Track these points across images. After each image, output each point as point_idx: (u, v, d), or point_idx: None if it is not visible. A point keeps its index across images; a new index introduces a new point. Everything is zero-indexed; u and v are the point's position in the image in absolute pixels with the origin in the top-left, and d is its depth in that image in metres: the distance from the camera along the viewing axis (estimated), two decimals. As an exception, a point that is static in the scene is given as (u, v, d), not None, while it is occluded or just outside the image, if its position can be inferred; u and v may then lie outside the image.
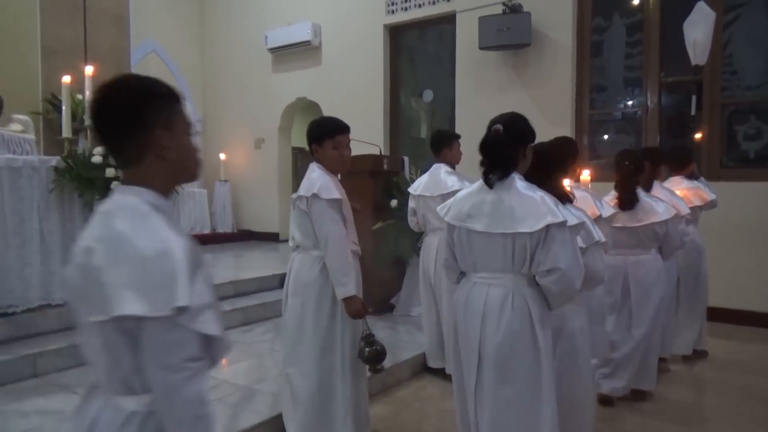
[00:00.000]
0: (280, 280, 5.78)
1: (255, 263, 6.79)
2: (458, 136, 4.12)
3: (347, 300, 2.48)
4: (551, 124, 6.14)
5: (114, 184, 3.94)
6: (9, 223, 3.80)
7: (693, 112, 5.78)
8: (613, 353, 3.47)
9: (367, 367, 2.63)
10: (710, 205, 4.31)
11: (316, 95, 8.57)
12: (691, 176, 4.43)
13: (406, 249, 5.13)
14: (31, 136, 4.37)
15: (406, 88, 7.96)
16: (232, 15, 9.51)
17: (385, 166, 5.32)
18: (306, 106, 9.16)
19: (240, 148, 9.58)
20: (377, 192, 5.24)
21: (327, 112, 8.40)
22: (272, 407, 3.12)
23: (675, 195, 3.91)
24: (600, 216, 2.88)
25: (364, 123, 7.61)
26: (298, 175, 11.38)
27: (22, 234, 3.88)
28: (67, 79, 4.20)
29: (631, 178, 3.48)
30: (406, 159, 5.65)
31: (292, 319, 2.68)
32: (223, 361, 4.02)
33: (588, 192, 3.02)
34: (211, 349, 1.18)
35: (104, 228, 1.15)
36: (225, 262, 6.92)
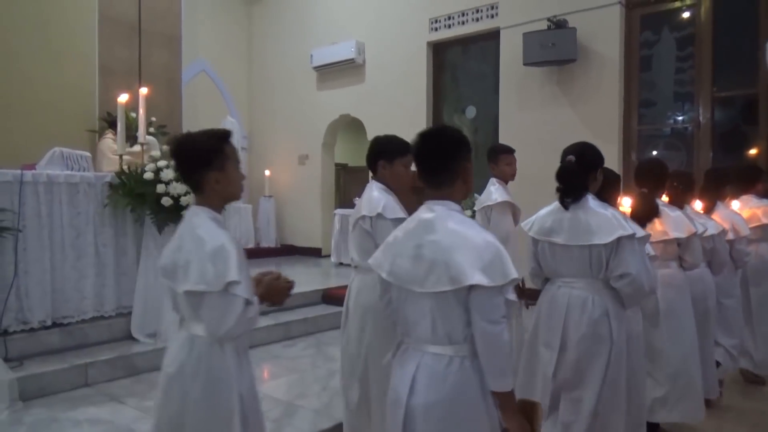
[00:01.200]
0: (323, 296, 5.84)
1: (297, 278, 6.79)
2: (509, 150, 3.75)
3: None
4: (598, 139, 5.94)
5: (164, 199, 4.07)
6: (66, 236, 3.97)
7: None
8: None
9: None
10: None
11: (359, 112, 8.67)
12: (764, 194, 4.35)
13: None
14: (87, 154, 4.55)
15: (449, 104, 7.96)
16: (279, 34, 9.74)
17: (428, 183, 5.30)
18: (349, 122, 9.27)
19: (284, 164, 9.74)
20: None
21: (370, 128, 8.48)
22: (313, 423, 3.13)
23: (736, 215, 3.89)
24: (695, 233, 3.17)
25: (407, 139, 7.63)
26: (340, 190, 11.49)
27: (78, 247, 4.04)
28: (123, 98, 4.37)
29: (678, 197, 3.41)
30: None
31: (353, 338, 2.69)
32: (264, 374, 4.06)
33: (682, 211, 3.27)
34: (508, 309, 1.62)
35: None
36: (268, 276, 7.00)
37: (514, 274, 1.57)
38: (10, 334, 3.65)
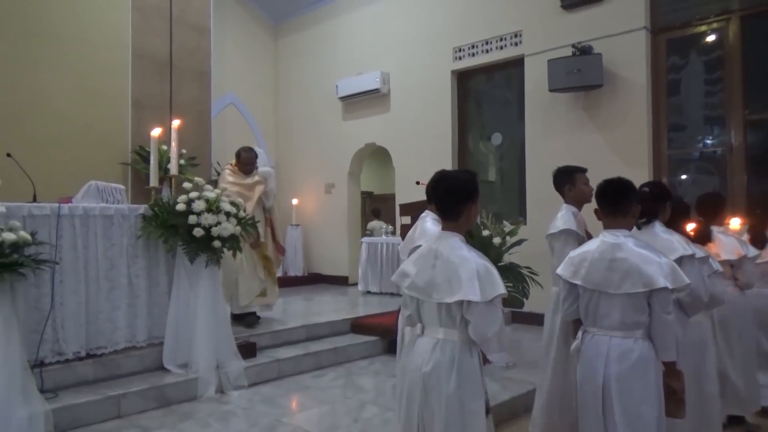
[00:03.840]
0: (352, 326, 5.81)
1: (326, 307, 6.84)
2: (583, 169, 3.57)
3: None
4: (627, 165, 5.95)
5: (196, 230, 4.12)
6: (101, 267, 4.04)
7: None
8: None
9: None
10: None
11: (384, 141, 8.74)
12: None
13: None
14: (121, 186, 4.65)
15: (474, 131, 7.98)
16: (304, 66, 9.94)
17: (455, 211, 5.28)
18: (375, 151, 9.35)
19: (311, 192, 9.84)
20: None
21: (396, 157, 8.54)
22: (345, 457, 3.07)
23: None
24: (745, 255, 3.63)
25: (433, 167, 7.59)
26: (366, 218, 11.54)
27: (112, 278, 4.10)
28: (156, 132, 4.48)
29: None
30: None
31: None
32: (294, 405, 4.03)
33: (734, 236, 3.79)
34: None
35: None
36: (296, 305, 7.02)
37: (687, 280, 2.28)
38: (46, 365, 3.70)
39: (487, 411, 2.41)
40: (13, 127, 5.84)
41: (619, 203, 2.39)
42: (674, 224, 3.03)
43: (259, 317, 5.49)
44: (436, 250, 2.10)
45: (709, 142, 6.16)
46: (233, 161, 5.64)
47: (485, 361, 2.15)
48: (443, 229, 2.16)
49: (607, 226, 2.41)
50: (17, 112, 5.93)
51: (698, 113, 6.17)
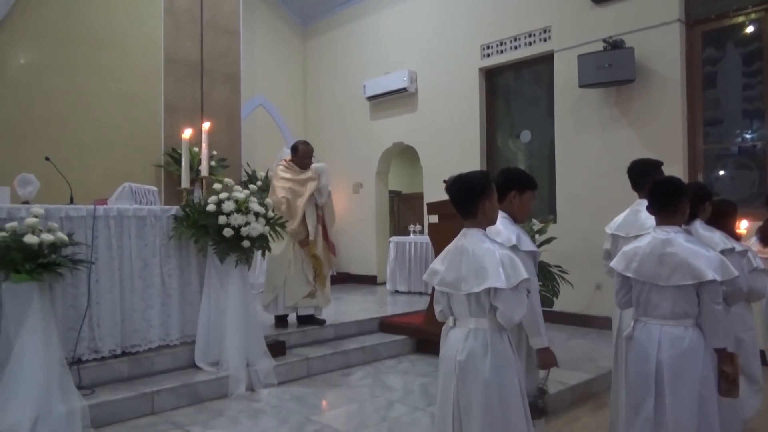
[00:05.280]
0: (380, 325, 5.82)
1: (354, 306, 6.87)
2: (661, 163, 3.45)
3: (542, 350, 2.50)
4: (662, 160, 5.80)
5: (226, 230, 4.19)
6: (135, 267, 4.14)
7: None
8: None
9: None
10: None
11: (412, 140, 8.73)
12: None
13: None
14: (154, 188, 4.76)
15: (503, 129, 7.90)
16: (332, 67, 10.00)
17: (484, 209, 5.25)
18: (402, 150, 9.34)
19: (339, 192, 9.88)
20: (476, 235, 5.16)
21: (424, 156, 8.51)
22: (373, 455, 3.08)
23: None
24: None
25: (461, 166, 7.56)
26: (395, 218, 11.53)
27: (145, 278, 4.20)
28: (187, 134, 4.57)
29: None
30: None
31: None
32: (323, 403, 4.05)
33: None
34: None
35: None
36: (325, 304, 7.04)
37: (735, 272, 2.41)
38: (83, 362, 3.81)
39: (545, 412, 2.58)
40: (52, 132, 6.05)
41: (669, 202, 2.52)
42: (716, 222, 3.19)
43: (323, 321, 5.32)
44: (462, 246, 2.22)
45: (747, 136, 5.97)
46: (287, 157, 5.47)
47: (543, 365, 2.48)
48: (465, 226, 2.28)
49: (658, 224, 2.56)
50: (56, 117, 6.14)
51: (736, 107, 5.98)
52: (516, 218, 2.70)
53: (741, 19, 5.86)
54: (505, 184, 2.66)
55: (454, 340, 2.21)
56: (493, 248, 2.16)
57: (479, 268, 2.12)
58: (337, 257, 9.61)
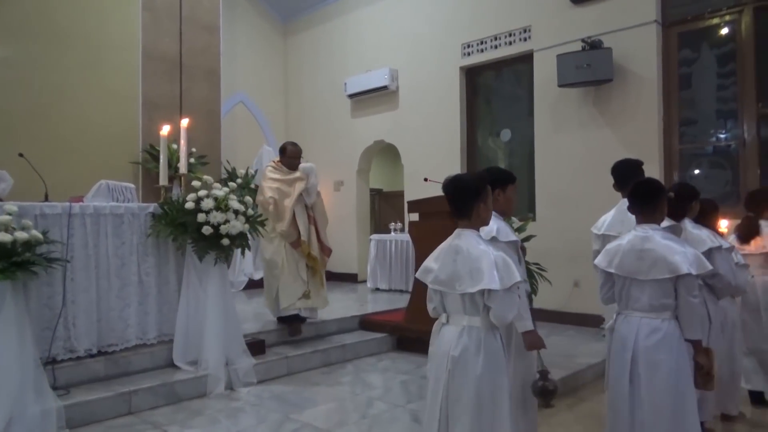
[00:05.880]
0: (360, 323, 5.82)
1: (335, 304, 6.81)
2: (642, 163, 3.61)
3: (527, 333, 2.56)
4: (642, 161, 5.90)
5: (205, 228, 4.15)
6: (112, 266, 4.08)
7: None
8: None
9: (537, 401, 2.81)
10: None
11: (393, 138, 8.73)
12: None
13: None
14: (132, 185, 4.70)
15: (483, 128, 7.95)
16: (313, 65, 9.96)
17: (464, 207, 5.28)
18: (383, 148, 9.35)
19: (320, 190, 9.81)
20: (456, 233, 5.18)
21: (405, 154, 8.53)
22: (353, 453, 3.08)
23: None
24: None
25: (442, 164, 7.64)
26: (376, 216, 11.53)
27: (122, 276, 4.14)
28: (165, 130, 4.51)
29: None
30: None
31: None
32: (302, 401, 4.04)
33: None
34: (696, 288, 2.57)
35: None
36: (306, 302, 7.02)
37: (710, 266, 2.60)
38: (58, 362, 3.75)
39: (555, 392, 2.70)
40: (27, 128, 5.93)
41: (649, 202, 2.68)
42: (703, 220, 3.46)
43: (304, 319, 5.23)
44: (456, 246, 2.30)
45: (721, 136, 6.09)
46: (276, 158, 5.40)
47: (530, 347, 2.54)
48: (459, 227, 2.36)
49: (638, 222, 2.73)
50: (31, 113, 6.01)
51: (710, 107, 6.10)
52: (504, 213, 2.86)
53: (716, 20, 5.98)
54: (490, 183, 2.72)
55: (448, 337, 2.28)
56: (488, 250, 2.24)
57: (474, 269, 2.20)
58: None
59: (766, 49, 5.68)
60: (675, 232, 2.95)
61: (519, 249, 2.90)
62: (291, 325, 5.13)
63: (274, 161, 5.35)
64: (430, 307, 2.43)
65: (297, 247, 5.01)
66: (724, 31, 5.98)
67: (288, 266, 4.99)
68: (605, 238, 3.49)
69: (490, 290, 2.17)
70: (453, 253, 2.29)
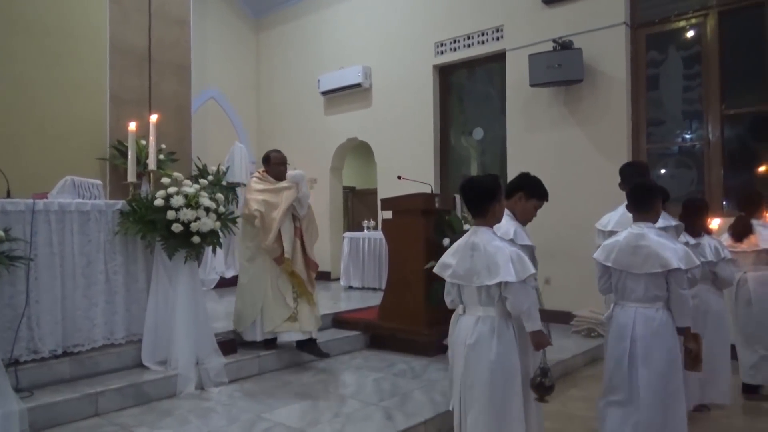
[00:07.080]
0: (333, 320, 5.80)
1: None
2: (647, 165, 4.11)
3: (535, 333, 2.58)
4: (607, 159, 6.02)
5: (174, 225, 4.07)
6: (77, 264, 3.97)
7: None
8: None
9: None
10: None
11: (366, 136, 8.72)
12: None
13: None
14: (99, 182, 4.57)
15: (456, 126, 7.99)
16: (286, 61, 9.87)
17: (437, 205, 5.31)
18: (357, 146, 9.33)
19: (293, 188, 9.77)
20: (429, 230, 5.21)
21: (378, 152, 8.53)
22: (326, 452, 3.06)
23: None
24: None
25: (415, 162, 7.67)
26: (349, 214, 11.49)
27: (89, 275, 4.03)
28: (133, 126, 4.41)
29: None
30: (457, 197, 5.62)
31: None
32: (274, 400, 4.01)
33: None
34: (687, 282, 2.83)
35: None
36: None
37: (698, 262, 2.85)
38: (21, 364, 3.63)
39: (552, 389, 2.68)
40: (-13, 122, 5.73)
41: (645, 202, 2.94)
42: (694, 220, 3.82)
43: (311, 341, 4.80)
44: (473, 243, 2.53)
45: (687, 136, 6.24)
46: (260, 169, 4.95)
47: (537, 347, 2.54)
48: (475, 224, 2.62)
49: (635, 220, 2.96)
50: (-9, 106, 5.81)
51: (677, 108, 6.24)
52: (517, 219, 3.01)
53: (682, 23, 6.12)
54: (516, 185, 3.02)
55: (465, 326, 2.55)
56: (503, 246, 2.49)
57: (491, 264, 2.44)
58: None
59: (731, 52, 5.84)
60: (677, 231, 3.32)
61: (533, 254, 3.04)
62: (312, 348, 4.77)
63: (258, 171, 4.93)
64: (447, 299, 2.68)
65: (280, 264, 4.63)
66: (690, 33, 6.13)
67: (272, 286, 4.63)
68: (611, 235, 3.51)
69: (506, 282, 2.40)
70: (470, 249, 2.52)
